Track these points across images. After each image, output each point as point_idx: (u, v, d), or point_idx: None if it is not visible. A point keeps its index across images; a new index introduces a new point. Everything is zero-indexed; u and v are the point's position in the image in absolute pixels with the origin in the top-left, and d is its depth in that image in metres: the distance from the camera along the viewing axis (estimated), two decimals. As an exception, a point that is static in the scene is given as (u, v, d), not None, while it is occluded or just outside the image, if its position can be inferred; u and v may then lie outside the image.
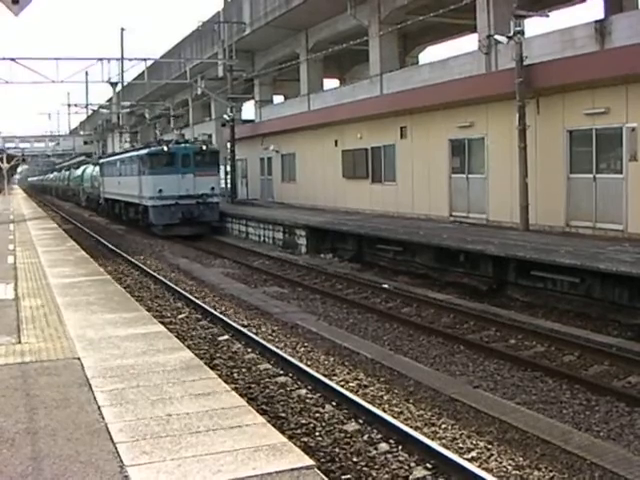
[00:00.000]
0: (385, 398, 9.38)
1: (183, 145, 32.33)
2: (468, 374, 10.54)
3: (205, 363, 8.70)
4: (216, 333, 13.20)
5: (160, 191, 30.28)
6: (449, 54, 27.49)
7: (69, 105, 66.70)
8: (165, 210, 30.39)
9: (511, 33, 19.88)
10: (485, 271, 17.11)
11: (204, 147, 32.24)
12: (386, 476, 7.01)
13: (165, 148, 31.20)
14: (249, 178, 42.15)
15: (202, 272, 20.82)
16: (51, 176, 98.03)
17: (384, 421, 8.13)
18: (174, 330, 12.46)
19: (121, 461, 5.21)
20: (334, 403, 9.01)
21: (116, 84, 48.90)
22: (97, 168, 47.73)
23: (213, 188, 31.32)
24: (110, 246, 27.04)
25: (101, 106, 66.06)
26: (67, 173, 73.50)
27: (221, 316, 14.19)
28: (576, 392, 9.55)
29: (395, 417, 8.44)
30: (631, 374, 10.23)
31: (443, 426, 8.36)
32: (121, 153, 41.89)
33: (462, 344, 12.06)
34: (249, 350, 11.85)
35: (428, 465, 7.15)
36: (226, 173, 40.16)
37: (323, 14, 34.63)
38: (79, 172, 61.09)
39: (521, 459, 7.42)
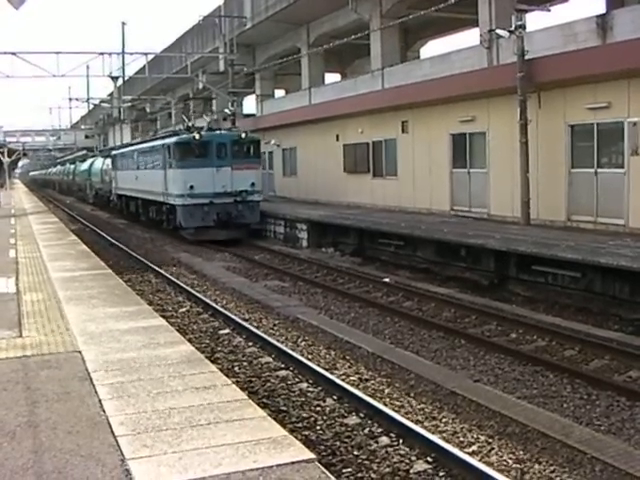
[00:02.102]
0: (386, 392, 9.38)
1: (218, 132, 27.81)
2: (469, 368, 10.55)
3: (206, 357, 8.71)
4: (217, 327, 13.21)
5: (191, 188, 25.57)
6: (450, 48, 27.42)
7: (70, 99, 66.86)
8: (197, 210, 25.68)
9: (513, 27, 19.85)
10: (486, 265, 17.10)
11: (243, 135, 27.24)
12: (387, 470, 7.02)
13: (197, 136, 26.12)
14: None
15: (203, 266, 20.82)
16: (54, 170, 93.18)
17: (385, 415, 8.14)
18: (175, 324, 12.47)
19: (122, 454, 5.22)
20: (335, 397, 9.01)
21: (117, 78, 48.90)
22: (107, 161, 43.30)
23: (254, 184, 26.49)
24: (111, 240, 27.03)
25: (102, 100, 66.09)
26: (72, 167, 68.05)
27: (222, 310, 14.19)
28: (577, 386, 9.55)
29: (396, 411, 8.44)
30: (632, 368, 10.24)
31: (444, 420, 8.36)
32: (139, 143, 36.91)
33: (463, 338, 12.06)
34: (250, 344, 11.86)
35: (429, 459, 7.15)
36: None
37: (324, 8, 34.53)
38: (86, 165, 55.99)
39: (522, 453, 7.42)
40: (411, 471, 6.97)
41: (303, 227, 25.01)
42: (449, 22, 34.38)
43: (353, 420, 8.26)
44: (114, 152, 41.12)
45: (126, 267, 20.49)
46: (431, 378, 9.93)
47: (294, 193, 35.53)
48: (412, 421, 8.07)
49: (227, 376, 7.70)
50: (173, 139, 27.25)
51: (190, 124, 31.28)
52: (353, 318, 13.99)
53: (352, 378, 9.95)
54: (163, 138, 29.46)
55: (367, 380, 9.89)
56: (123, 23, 50.85)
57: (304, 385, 9.62)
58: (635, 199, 17.50)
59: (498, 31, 21.29)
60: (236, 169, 26.05)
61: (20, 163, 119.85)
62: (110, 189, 41.47)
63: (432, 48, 42.72)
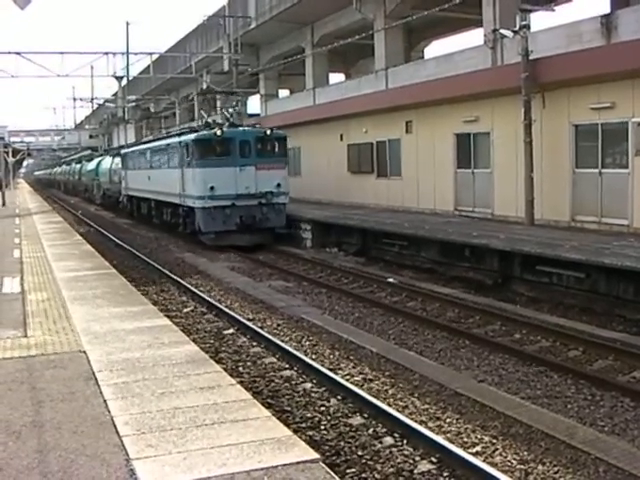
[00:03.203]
0: (390, 392, 9.38)
1: (241, 129, 25.62)
2: (473, 368, 10.55)
3: (210, 357, 8.72)
4: (221, 327, 13.22)
5: (211, 189, 23.57)
6: (454, 49, 27.44)
7: (74, 99, 66.90)
8: (218, 214, 23.72)
9: (517, 27, 19.84)
10: (490, 266, 17.10)
11: (268, 131, 25.05)
12: (391, 470, 7.02)
13: (218, 132, 24.13)
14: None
15: (207, 266, 20.83)
16: (59, 170, 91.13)
17: (389, 415, 8.14)
18: (179, 324, 12.47)
19: (127, 454, 5.23)
20: (339, 397, 9.02)
21: (121, 78, 48.95)
22: (117, 160, 41.28)
23: (279, 185, 24.52)
24: (116, 240, 27.05)
25: (107, 100, 66.17)
26: (78, 166, 65.37)
27: (226, 310, 14.21)
28: (581, 387, 9.55)
29: (400, 411, 8.44)
30: (636, 369, 10.23)
31: (448, 420, 8.36)
32: (152, 141, 34.34)
33: (467, 338, 12.06)
34: (254, 344, 11.87)
35: (433, 459, 7.15)
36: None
37: (328, 8, 34.56)
38: (93, 165, 53.53)
39: (525, 453, 7.42)
40: (415, 471, 6.97)
41: (307, 227, 25.01)
42: (453, 22, 34.40)
43: (357, 420, 8.27)
44: (124, 151, 39.25)
45: (130, 267, 20.51)
46: (435, 378, 9.93)
47: (298, 193, 35.48)
48: (416, 421, 8.07)
49: (231, 376, 7.72)
50: (192, 136, 25.12)
51: (210, 119, 28.74)
52: (357, 318, 13.99)
53: (356, 378, 9.96)
54: (179, 135, 27.49)
55: (371, 380, 9.89)
56: (127, 23, 50.80)
57: (308, 385, 9.63)
58: (639, 199, 17.47)
59: (502, 31, 21.30)
60: (260, 169, 24.22)
61: (24, 163, 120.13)
62: (119, 190, 39.83)
63: (436, 48, 42.79)
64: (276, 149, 25.09)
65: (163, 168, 28.70)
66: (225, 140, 24.19)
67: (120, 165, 39.02)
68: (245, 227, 23.96)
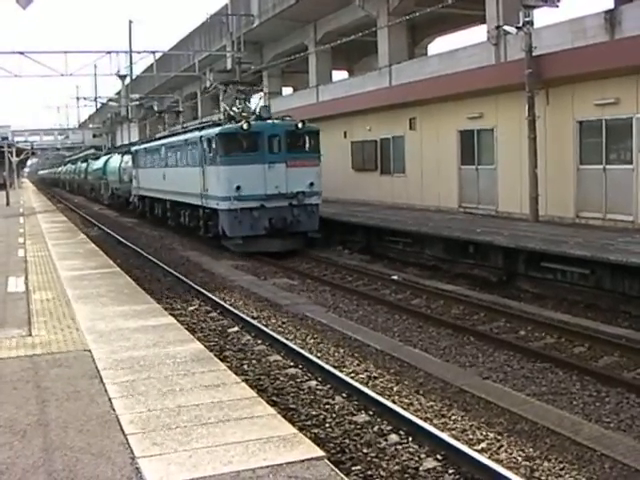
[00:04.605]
0: (395, 389, 9.38)
1: (270, 122, 22.76)
2: (478, 365, 10.54)
3: (215, 355, 8.73)
4: (226, 325, 13.23)
5: (238, 189, 21.19)
6: (458, 45, 27.39)
7: (78, 98, 67.02)
8: (245, 216, 21.35)
9: (520, 23, 19.81)
10: (495, 262, 17.08)
11: (300, 124, 22.40)
12: (396, 467, 7.02)
13: (245, 126, 21.47)
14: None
15: (212, 264, 20.83)
16: (63, 169, 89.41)
17: (394, 412, 8.14)
18: (184, 322, 12.49)
19: (132, 452, 5.24)
20: (344, 395, 9.02)
21: (125, 77, 49.05)
22: (126, 158, 39.26)
23: (312, 184, 22.17)
24: (120, 239, 27.08)
25: (110, 99, 66.20)
26: (84, 165, 62.66)
27: (231, 308, 14.21)
28: (586, 383, 9.53)
29: (405, 408, 8.44)
30: (641, 365, 10.21)
31: (453, 417, 8.36)
32: (167, 137, 31.40)
33: (472, 335, 12.04)
34: (259, 342, 11.87)
35: (438, 456, 7.15)
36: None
37: (331, 6, 34.55)
38: (100, 163, 50.86)
39: (531, 450, 7.41)
40: (420, 469, 6.97)
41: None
42: (456, 19, 34.34)
43: (362, 418, 8.26)
44: (135, 148, 36.78)
45: (135, 265, 20.52)
46: (440, 375, 9.92)
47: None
48: (421, 419, 8.07)
49: (236, 374, 7.73)
50: (215, 130, 22.62)
51: (235, 110, 25.19)
52: (361, 316, 13.98)
53: (361, 376, 9.95)
54: (200, 129, 24.93)
55: (376, 378, 9.89)
56: (130, 22, 50.96)
57: (313, 383, 9.63)
58: (644, 195, 17.45)
59: (506, 27, 21.28)
60: (292, 166, 21.82)
61: (28, 162, 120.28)
62: (129, 190, 37.70)
63: (440, 45, 42.80)
64: (308, 144, 22.78)
65: (181, 166, 26.62)
66: (252, 134, 21.68)
67: (131, 163, 37.01)
68: (275, 231, 21.62)
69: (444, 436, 7.43)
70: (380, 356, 11.02)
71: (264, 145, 21.63)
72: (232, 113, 24.69)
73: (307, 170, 22.12)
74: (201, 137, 23.56)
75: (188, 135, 26.04)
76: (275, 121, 22.76)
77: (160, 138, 32.34)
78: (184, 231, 26.98)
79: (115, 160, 44.28)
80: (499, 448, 7.47)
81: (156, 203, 31.59)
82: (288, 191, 21.67)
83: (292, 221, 21.78)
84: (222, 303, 14.69)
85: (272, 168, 21.55)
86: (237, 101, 25.83)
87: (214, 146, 22.18)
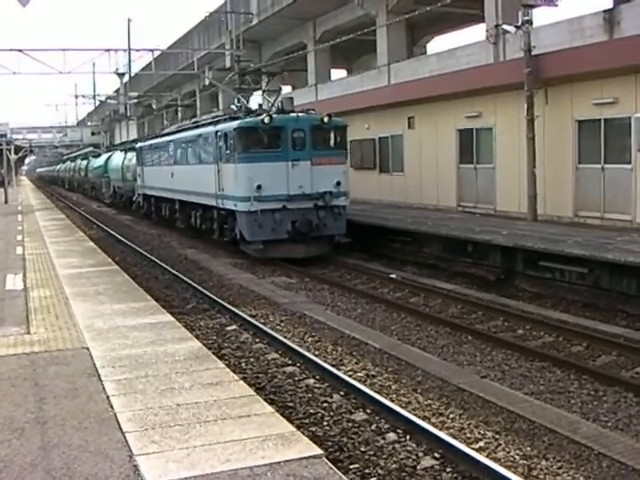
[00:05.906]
0: (393, 388, 9.39)
1: (294, 115, 20.43)
2: (476, 364, 10.54)
3: (213, 353, 8.74)
4: (224, 323, 13.22)
5: (258, 188, 19.15)
6: (457, 44, 27.40)
7: (76, 96, 66.83)
8: (266, 219, 19.35)
9: (519, 23, 19.81)
10: (493, 261, 17.09)
11: (326, 118, 20.13)
12: (394, 465, 7.02)
13: (266, 119, 19.35)
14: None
15: (210, 262, 20.82)
16: (62, 166, 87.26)
17: (392, 411, 8.14)
18: (182, 320, 12.48)
19: (130, 450, 5.24)
20: (342, 393, 9.02)
21: (123, 75, 48.94)
22: (130, 155, 37.40)
23: (339, 183, 20.03)
24: (118, 237, 27.06)
25: (108, 97, 66.14)
26: (84, 163, 60.31)
27: (229, 306, 14.20)
28: (584, 382, 9.54)
29: (403, 407, 8.44)
30: (639, 364, 10.22)
31: (451, 416, 8.36)
32: (175, 132, 28.92)
33: (470, 334, 12.05)
34: (257, 340, 11.87)
35: (436, 455, 7.16)
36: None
37: (330, 4, 34.56)
38: (101, 161, 48.82)
39: (529, 449, 7.42)
40: (418, 467, 6.98)
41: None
42: (455, 18, 34.34)
43: (360, 416, 8.27)
44: (140, 144, 34.58)
45: (133, 263, 20.52)
46: (438, 374, 9.93)
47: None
48: (419, 417, 8.07)
49: (234, 372, 7.73)
50: (233, 124, 20.28)
51: (248, 106, 22.94)
52: (360, 314, 13.99)
53: (359, 374, 9.96)
54: (215, 123, 22.69)
55: (374, 376, 9.89)
56: (129, 19, 50.80)
57: (311, 381, 9.63)
58: (642, 195, 17.46)
59: (504, 26, 21.28)
60: (317, 164, 19.81)
61: (27, 160, 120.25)
62: (133, 188, 35.94)
63: (438, 44, 42.74)
64: (335, 140, 20.62)
65: (192, 163, 24.58)
66: (274, 129, 19.61)
67: (135, 160, 35.02)
68: (299, 235, 19.67)
69: (442, 434, 7.44)
70: (378, 354, 11.03)
71: (287, 141, 19.64)
72: (249, 107, 23.02)
73: (333, 168, 20.11)
74: (217, 132, 21.50)
75: (201, 130, 23.99)
76: (299, 114, 20.50)
77: (168, 133, 30.44)
78: (192, 233, 25.86)
79: (118, 157, 42.67)
80: (497, 447, 7.48)
81: (163, 203, 29.68)
82: (313, 191, 19.72)
83: (317, 224, 19.78)
84: (220, 301, 14.68)
85: (296, 166, 19.62)
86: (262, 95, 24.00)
87: (231, 142, 20.12)
